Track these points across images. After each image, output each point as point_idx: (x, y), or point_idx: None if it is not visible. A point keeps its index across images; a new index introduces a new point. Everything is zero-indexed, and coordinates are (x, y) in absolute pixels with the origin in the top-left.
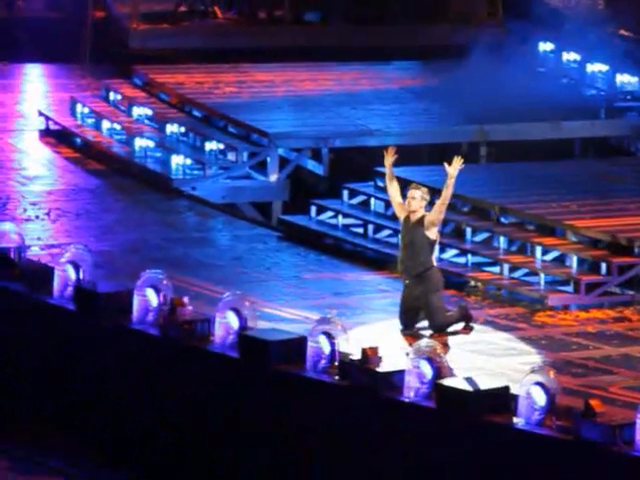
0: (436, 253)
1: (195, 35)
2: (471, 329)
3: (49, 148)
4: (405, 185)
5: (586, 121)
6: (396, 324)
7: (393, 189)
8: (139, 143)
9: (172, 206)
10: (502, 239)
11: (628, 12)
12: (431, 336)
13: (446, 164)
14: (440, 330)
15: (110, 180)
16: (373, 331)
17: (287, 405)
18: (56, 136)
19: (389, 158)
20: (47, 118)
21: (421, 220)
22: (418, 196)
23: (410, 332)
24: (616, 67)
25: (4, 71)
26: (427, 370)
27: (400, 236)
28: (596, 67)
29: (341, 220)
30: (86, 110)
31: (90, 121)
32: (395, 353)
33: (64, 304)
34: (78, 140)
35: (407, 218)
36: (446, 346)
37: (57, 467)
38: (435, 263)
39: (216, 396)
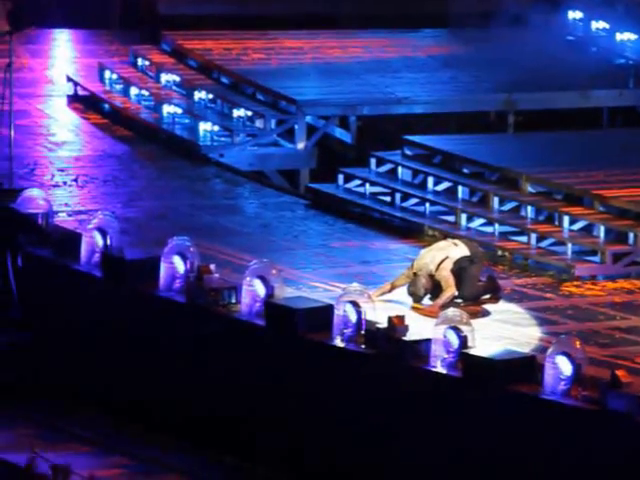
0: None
1: (223, 1)
2: (499, 299)
3: (77, 114)
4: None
5: (614, 90)
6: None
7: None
8: (167, 109)
9: (200, 173)
10: (529, 208)
11: None
12: (460, 305)
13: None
14: (471, 300)
15: (137, 147)
16: (400, 299)
17: (313, 373)
18: (84, 102)
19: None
20: (75, 84)
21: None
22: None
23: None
24: None
25: (33, 36)
26: (453, 339)
27: None
28: (625, 36)
29: (368, 188)
30: (114, 76)
31: (118, 87)
32: (422, 322)
33: (91, 270)
34: (106, 106)
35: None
36: (473, 315)
37: (82, 435)
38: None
39: (243, 364)
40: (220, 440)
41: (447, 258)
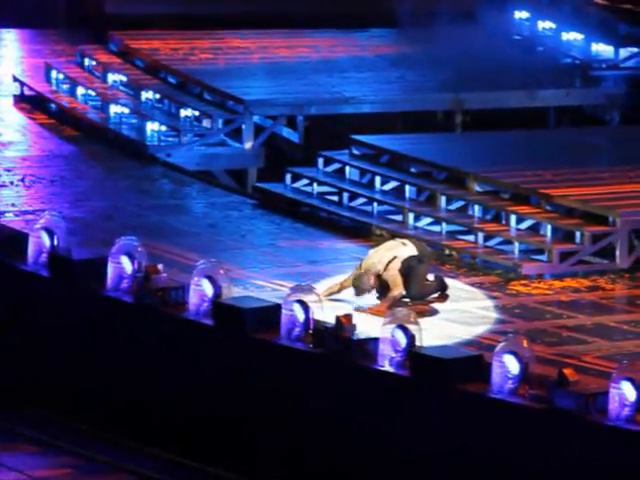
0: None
1: (170, 1)
2: (446, 298)
3: (23, 114)
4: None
5: (561, 90)
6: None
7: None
8: (114, 109)
9: (147, 173)
10: (477, 207)
11: None
12: (408, 305)
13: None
14: (419, 299)
15: (84, 147)
16: (347, 299)
17: (261, 372)
18: (31, 102)
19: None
20: (22, 84)
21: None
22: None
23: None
24: (591, 36)
25: None
26: (401, 338)
27: None
28: (571, 35)
29: (316, 188)
30: (61, 76)
31: (65, 87)
32: (369, 321)
33: (38, 270)
34: (53, 106)
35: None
36: (421, 314)
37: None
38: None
39: (189, 363)
40: (174, 440)
41: (395, 258)
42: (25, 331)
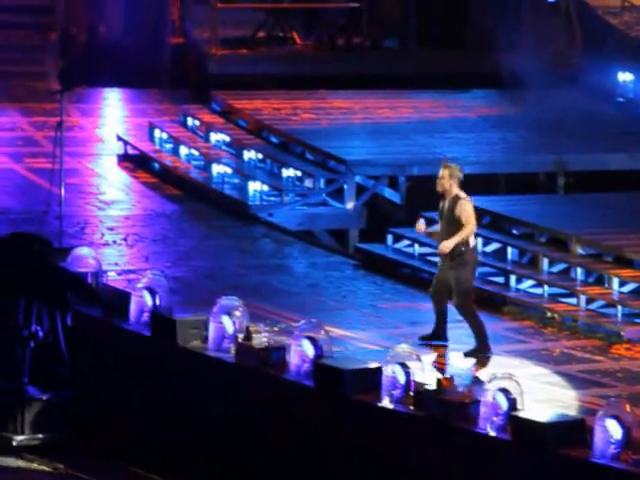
0: (472, 237)
1: (273, 61)
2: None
3: (127, 173)
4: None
5: None
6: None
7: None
8: (216, 169)
9: (249, 232)
10: (579, 270)
11: None
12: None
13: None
14: (462, 311)
15: (187, 205)
16: (448, 361)
17: (362, 434)
18: (134, 161)
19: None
20: (125, 143)
21: (455, 200)
22: (446, 175)
23: (435, 301)
24: None
25: (84, 95)
26: (502, 401)
27: (438, 213)
28: None
29: (418, 249)
30: (164, 135)
31: (168, 146)
32: (470, 383)
33: (140, 329)
34: (156, 165)
35: (443, 197)
36: (521, 377)
37: None
38: (472, 243)
39: (291, 425)
40: None
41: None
42: (126, 388)
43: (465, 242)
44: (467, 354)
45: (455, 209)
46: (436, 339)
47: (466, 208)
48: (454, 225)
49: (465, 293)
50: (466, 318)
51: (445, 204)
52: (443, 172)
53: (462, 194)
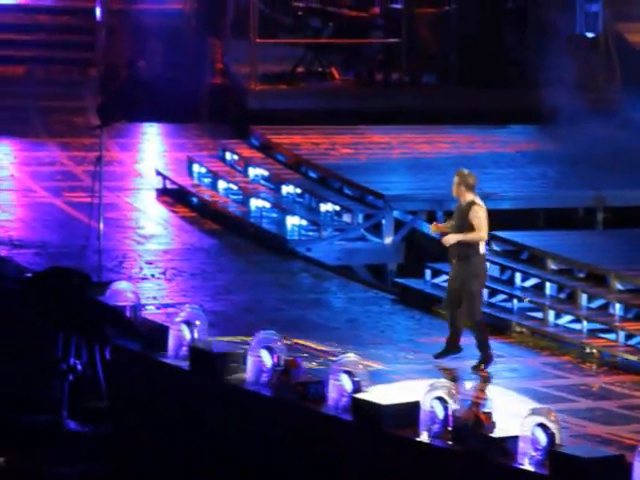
0: (482, 245)
1: (312, 96)
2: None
3: (166, 207)
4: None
5: None
6: (512, 389)
7: None
8: (255, 203)
9: (287, 267)
10: (618, 306)
11: None
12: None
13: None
14: (471, 320)
15: (225, 240)
16: (487, 396)
17: (400, 469)
18: (173, 195)
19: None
20: (164, 177)
21: (469, 206)
22: (456, 181)
23: (448, 312)
24: None
25: (123, 130)
26: (541, 437)
27: (454, 215)
28: None
29: None
30: (203, 170)
31: (207, 181)
32: (509, 418)
33: (179, 363)
34: (194, 199)
35: (459, 201)
36: (560, 413)
37: None
38: (482, 251)
39: (329, 459)
40: None
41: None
42: (164, 422)
43: (473, 248)
44: (475, 368)
45: (469, 214)
46: (449, 353)
47: (479, 214)
48: (465, 229)
49: (472, 299)
50: (472, 326)
51: (460, 207)
52: (455, 179)
53: (477, 200)
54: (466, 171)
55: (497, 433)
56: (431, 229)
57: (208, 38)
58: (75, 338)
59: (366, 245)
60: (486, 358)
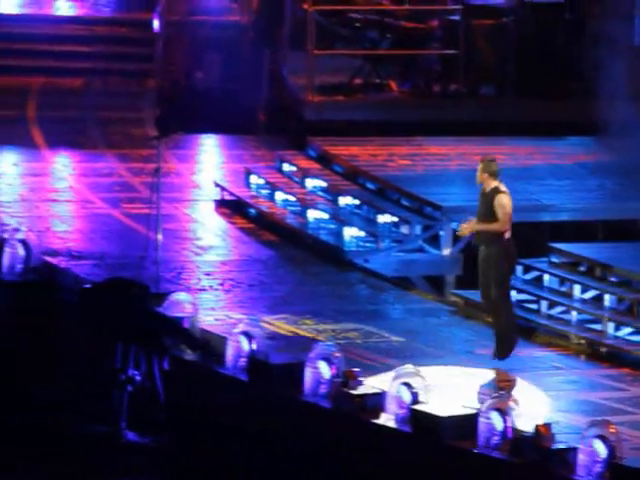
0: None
1: (370, 108)
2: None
3: (224, 218)
4: None
5: None
6: (571, 401)
7: None
8: (313, 214)
9: (344, 278)
10: None
11: None
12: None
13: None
14: (497, 304)
15: (283, 251)
16: (546, 408)
17: None
18: (231, 206)
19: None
20: (222, 189)
21: (493, 192)
22: (480, 169)
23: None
24: None
25: (180, 141)
26: (601, 449)
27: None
28: None
29: (515, 295)
30: (261, 181)
31: (264, 192)
32: (567, 430)
33: (237, 374)
34: (252, 211)
35: (483, 187)
36: (620, 425)
37: None
38: (507, 235)
39: (388, 470)
40: None
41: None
42: (223, 433)
43: (498, 234)
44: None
45: (494, 201)
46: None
47: (503, 202)
48: (489, 216)
49: (500, 283)
50: (495, 314)
51: (484, 193)
52: (479, 166)
53: (502, 187)
54: (489, 158)
55: (556, 445)
56: (460, 231)
57: (265, 50)
58: (134, 349)
59: (424, 256)
60: (500, 351)
